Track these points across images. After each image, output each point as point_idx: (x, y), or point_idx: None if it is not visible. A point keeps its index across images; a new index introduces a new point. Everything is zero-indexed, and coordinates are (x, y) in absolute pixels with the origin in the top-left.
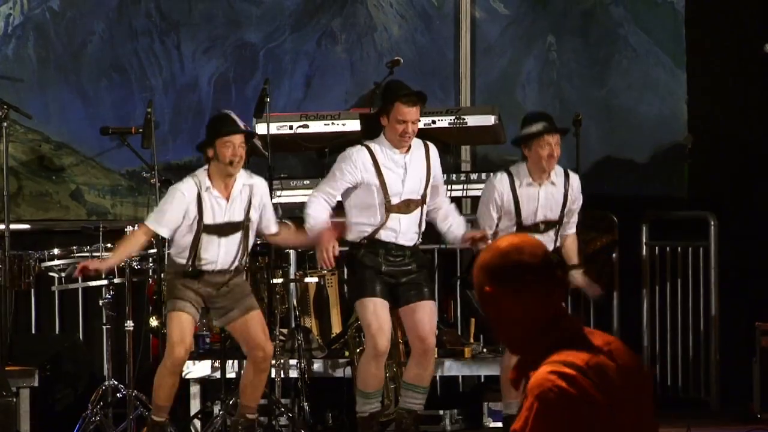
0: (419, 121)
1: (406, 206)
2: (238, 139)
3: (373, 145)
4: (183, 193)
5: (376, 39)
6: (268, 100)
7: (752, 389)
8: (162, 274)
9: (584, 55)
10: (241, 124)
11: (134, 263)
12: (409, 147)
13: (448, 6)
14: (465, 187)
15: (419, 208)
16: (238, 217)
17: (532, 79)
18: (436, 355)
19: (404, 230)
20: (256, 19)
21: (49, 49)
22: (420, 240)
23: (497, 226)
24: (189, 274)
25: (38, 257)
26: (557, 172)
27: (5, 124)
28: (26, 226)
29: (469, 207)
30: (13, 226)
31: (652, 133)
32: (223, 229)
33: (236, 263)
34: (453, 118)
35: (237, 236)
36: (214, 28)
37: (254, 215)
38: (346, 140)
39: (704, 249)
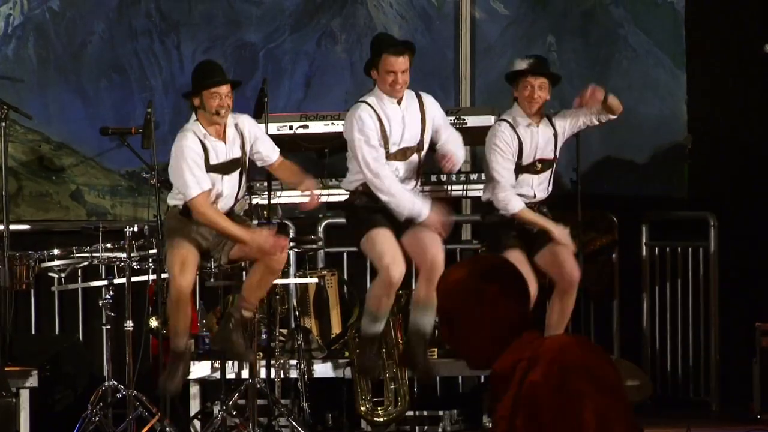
0: (408, 70)
1: (403, 154)
2: (224, 89)
3: (370, 99)
4: (191, 147)
5: None
6: (267, 100)
7: (752, 390)
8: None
9: (584, 55)
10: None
11: (134, 263)
12: (403, 97)
13: (447, 6)
14: (465, 187)
15: (416, 154)
16: (237, 153)
17: None
18: (437, 352)
19: (402, 176)
20: (256, 20)
21: (49, 49)
22: (418, 185)
23: None
24: (187, 213)
25: (38, 258)
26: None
27: (5, 124)
28: (26, 227)
29: (469, 207)
30: (12, 227)
31: (652, 134)
32: (226, 167)
33: (233, 203)
34: (453, 118)
35: (236, 174)
36: (214, 29)
37: (247, 149)
38: (345, 141)
39: (704, 249)
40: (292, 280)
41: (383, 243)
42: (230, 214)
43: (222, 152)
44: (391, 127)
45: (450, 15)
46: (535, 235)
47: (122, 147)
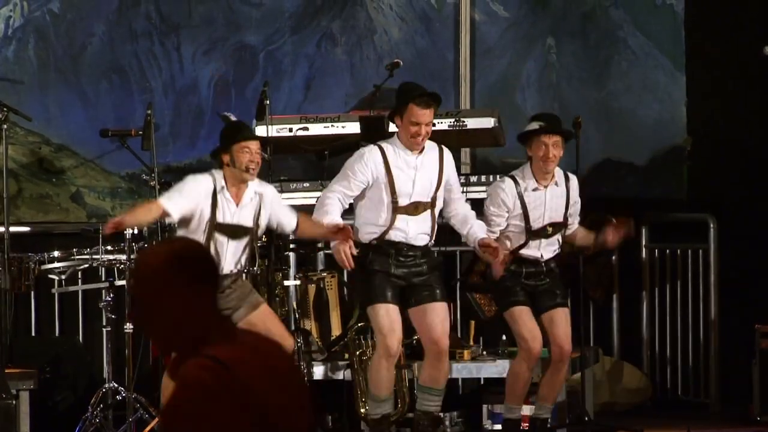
0: (433, 123)
1: (414, 208)
2: (255, 145)
3: (385, 145)
4: (199, 183)
5: (376, 41)
6: (268, 102)
7: (752, 391)
8: None
9: (584, 57)
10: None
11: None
12: (423, 149)
13: (447, 8)
14: (465, 189)
15: (428, 210)
16: (247, 222)
17: (532, 82)
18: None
19: (413, 233)
20: (255, 22)
21: (49, 51)
22: (432, 242)
23: (506, 228)
24: None
25: (38, 259)
26: (558, 174)
27: (5, 126)
28: (26, 229)
29: None
30: (12, 229)
31: (651, 136)
32: (232, 230)
33: (239, 268)
34: (453, 120)
35: (244, 241)
36: (214, 31)
37: (263, 222)
38: (345, 143)
39: (704, 251)
40: (292, 282)
41: (385, 316)
42: (237, 274)
43: (229, 213)
44: (400, 177)
45: (450, 17)
46: (539, 293)
47: (122, 149)
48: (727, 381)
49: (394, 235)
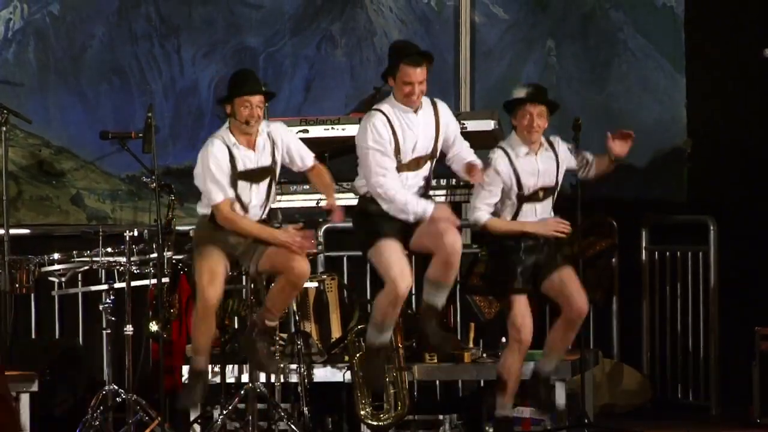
0: (425, 81)
1: (416, 163)
2: (256, 99)
3: (385, 107)
4: (216, 156)
5: (376, 43)
6: (267, 105)
7: (752, 393)
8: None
9: (584, 59)
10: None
11: (134, 268)
12: (419, 105)
13: (447, 10)
14: (465, 191)
15: (428, 163)
16: (267, 162)
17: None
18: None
19: (410, 184)
20: (255, 24)
21: (49, 53)
22: (428, 192)
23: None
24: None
25: (38, 262)
26: (543, 141)
27: (5, 128)
28: (26, 231)
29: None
30: (13, 231)
31: (651, 137)
32: (255, 175)
33: (262, 213)
34: None
35: (265, 183)
36: (214, 32)
37: (278, 157)
38: (345, 145)
39: (704, 253)
40: None
41: (391, 255)
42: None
43: (250, 160)
44: (405, 137)
45: (450, 19)
46: (542, 266)
47: (122, 151)
48: (727, 383)
49: None
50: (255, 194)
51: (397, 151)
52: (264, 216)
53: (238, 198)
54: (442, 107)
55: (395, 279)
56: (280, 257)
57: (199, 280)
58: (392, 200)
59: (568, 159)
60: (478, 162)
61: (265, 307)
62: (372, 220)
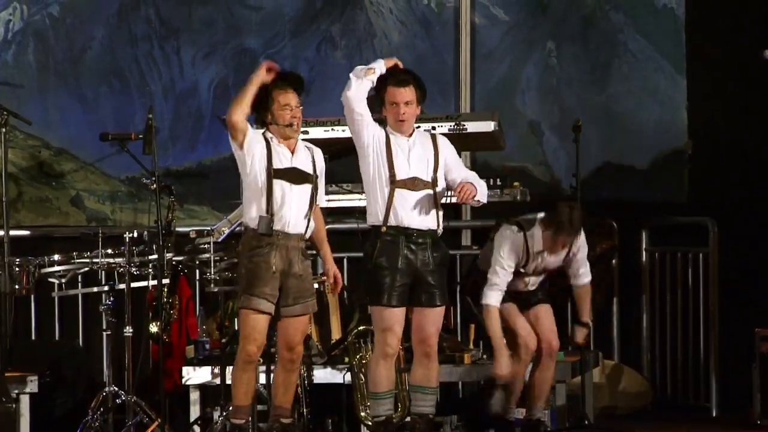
0: (413, 102)
1: (413, 183)
2: (294, 101)
3: (385, 127)
4: (254, 131)
5: (376, 45)
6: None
7: (752, 395)
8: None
9: (584, 60)
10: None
11: (134, 269)
12: (413, 133)
13: (447, 12)
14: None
15: (429, 189)
16: (305, 167)
17: (532, 85)
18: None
19: (416, 208)
20: (255, 25)
21: (49, 55)
22: (440, 229)
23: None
24: (264, 231)
25: (38, 263)
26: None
27: (5, 130)
28: (26, 232)
29: (468, 214)
30: (12, 232)
31: (652, 139)
32: (293, 175)
33: (307, 227)
34: (453, 124)
35: (307, 190)
36: (214, 34)
37: (318, 172)
38: (345, 147)
39: (704, 255)
40: None
41: (386, 316)
42: (305, 239)
43: (287, 159)
44: (397, 153)
45: (450, 21)
46: (527, 295)
47: (122, 153)
48: (728, 385)
49: (402, 214)
50: (296, 197)
51: (390, 163)
52: (308, 234)
53: (271, 208)
54: (441, 139)
55: (384, 335)
56: (286, 333)
57: (243, 330)
58: (348, 88)
59: (582, 247)
60: (463, 181)
61: (273, 407)
62: (380, 277)
